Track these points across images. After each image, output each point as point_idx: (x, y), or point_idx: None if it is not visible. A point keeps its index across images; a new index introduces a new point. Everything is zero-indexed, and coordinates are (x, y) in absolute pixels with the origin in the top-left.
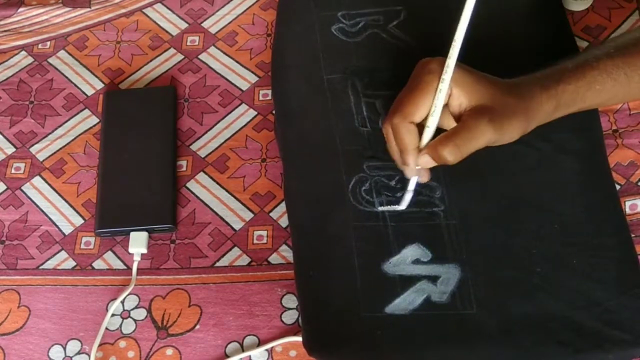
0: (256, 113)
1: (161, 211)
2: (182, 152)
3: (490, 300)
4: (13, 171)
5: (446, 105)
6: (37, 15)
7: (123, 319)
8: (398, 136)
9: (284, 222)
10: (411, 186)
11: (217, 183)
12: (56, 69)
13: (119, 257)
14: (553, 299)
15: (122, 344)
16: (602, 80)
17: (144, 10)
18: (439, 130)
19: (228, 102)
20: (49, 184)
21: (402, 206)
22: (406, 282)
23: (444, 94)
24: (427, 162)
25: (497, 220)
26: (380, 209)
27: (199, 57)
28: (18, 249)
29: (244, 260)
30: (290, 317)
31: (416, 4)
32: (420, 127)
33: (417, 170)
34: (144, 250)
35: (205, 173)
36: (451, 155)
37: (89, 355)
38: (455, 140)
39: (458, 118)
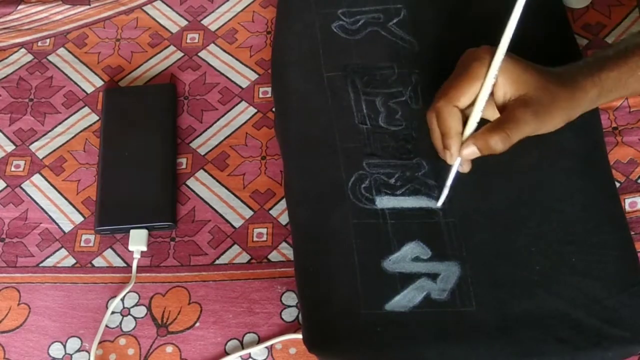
0: (256, 110)
1: (161, 209)
2: (182, 149)
3: (490, 298)
4: (13, 169)
5: (490, 95)
6: (36, 13)
7: (123, 316)
8: (441, 119)
9: (284, 219)
10: (449, 182)
11: (217, 181)
12: (56, 66)
13: (118, 255)
14: (552, 296)
15: (122, 341)
16: None
17: (143, 8)
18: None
19: (228, 99)
20: (49, 182)
21: (439, 203)
22: (406, 279)
23: (491, 82)
24: (472, 152)
25: (496, 218)
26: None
27: (199, 54)
28: (18, 247)
29: (244, 257)
30: (290, 314)
31: (416, 2)
32: (464, 116)
33: (458, 160)
34: (144, 248)
35: (205, 171)
36: (500, 143)
37: (89, 353)
38: (505, 130)
39: (502, 108)
